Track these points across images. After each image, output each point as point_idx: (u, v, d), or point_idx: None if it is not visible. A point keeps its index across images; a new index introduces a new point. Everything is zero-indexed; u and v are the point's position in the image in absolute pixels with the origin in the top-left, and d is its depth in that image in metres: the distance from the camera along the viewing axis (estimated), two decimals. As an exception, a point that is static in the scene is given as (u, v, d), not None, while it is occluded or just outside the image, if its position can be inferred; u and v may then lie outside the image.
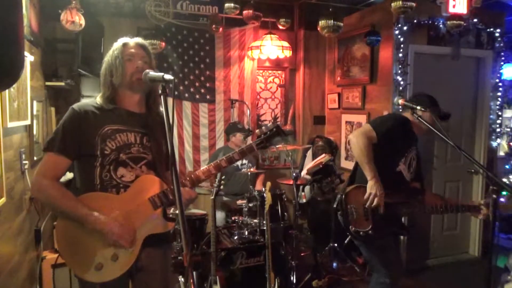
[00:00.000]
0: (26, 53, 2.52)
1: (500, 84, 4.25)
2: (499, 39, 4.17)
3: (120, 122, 1.67)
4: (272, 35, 4.48)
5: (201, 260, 2.89)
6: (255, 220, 3.21)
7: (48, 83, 3.44)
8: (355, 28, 4.30)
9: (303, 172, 3.97)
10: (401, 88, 3.77)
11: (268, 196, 2.83)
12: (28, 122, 2.69)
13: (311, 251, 4.00)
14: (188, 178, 1.70)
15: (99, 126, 1.62)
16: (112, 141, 1.62)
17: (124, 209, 1.59)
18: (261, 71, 4.92)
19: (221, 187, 2.64)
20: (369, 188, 2.19)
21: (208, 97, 4.54)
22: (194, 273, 2.84)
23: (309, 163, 4.11)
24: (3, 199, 2.11)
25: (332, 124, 4.93)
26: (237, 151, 1.74)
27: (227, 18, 4.34)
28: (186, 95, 4.45)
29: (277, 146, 3.63)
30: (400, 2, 3.14)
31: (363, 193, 2.22)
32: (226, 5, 3.80)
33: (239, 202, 3.43)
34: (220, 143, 4.57)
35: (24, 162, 2.58)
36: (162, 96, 1.44)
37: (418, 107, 2.24)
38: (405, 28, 3.76)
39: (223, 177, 2.61)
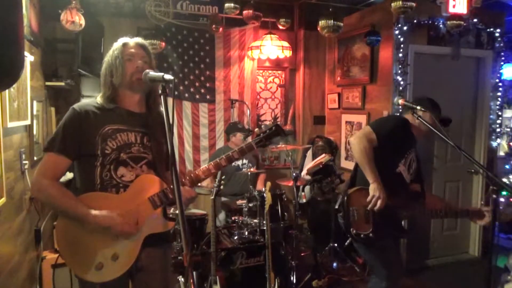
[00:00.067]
0: (26, 53, 2.52)
1: (500, 84, 4.25)
2: (499, 39, 4.17)
3: (120, 122, 1.67)
4: (272, 35, 4.48)
5: (201, 260, 2.89)
6: (255, 220, 3.21)
7: (48, 83, 3.44)
8: (355, 28, 4.31)
9: (303, 173, 3.98)
10: (401, 88, 3.77)
11: (268, 196, 2.83)
12: (28, 122, 2.69)
13: (311, 251, 4.00)
14: (188, 178, 1.70)
15: (100, 126, 1.63)
16: (113, 141, 1.62)
17: (124, 209, 1.59)
18: (261, 71, 4.92)
19: (221, 187, 2.64)
20: (371, 191, 2.19)
21: (208, 97, 4.54)
22: (194, 273, 2.84)
23: (309, 163, 4.11)
24: (3, 199, 2.11)
25: (332, 124, 4.93)
26: (237, 149, 1.74)
27: (227, 18, 4.34)
28: (186, 95, 4.45)
29: (277, 145, 3.63)
30: (400, 2, 3.14)
31: (365, 195, 2.22)
32: (226, 5, 3.80)
33: (239, 202, 3.43)
34: (220, 143, 4.57)
35: (24, 162, 2.59)
36: (162, 96, 1.45)
37: (419, 107, 2.24)
38: (405, 28, 3.76)
39: (223, 177, 2.61)
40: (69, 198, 1.57)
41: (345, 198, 2.29)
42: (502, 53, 4.22)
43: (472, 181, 4.35)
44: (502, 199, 4.09)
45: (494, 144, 4.29)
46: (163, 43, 3.94)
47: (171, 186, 1.60)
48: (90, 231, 1.55)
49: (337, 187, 3.81)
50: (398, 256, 2.57)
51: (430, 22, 3.86)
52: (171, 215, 1.71)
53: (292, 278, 3.29)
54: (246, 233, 3.14)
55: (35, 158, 2.90)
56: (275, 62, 4.88)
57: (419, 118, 2.24)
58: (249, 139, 3.94)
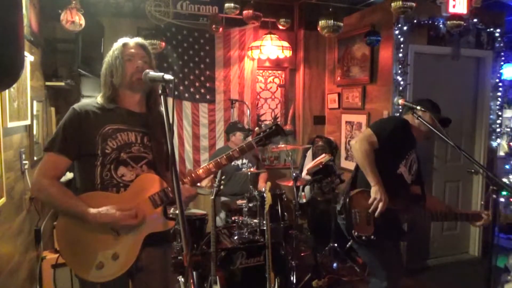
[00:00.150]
0: (26, 53, 2.52)
1: (500, 84, 4.25)
2: (499, 39, 4.17)
3: (120, 122, 1.67)
4: (272, 35, 4.49)
5: (201, 260, 2.89)
6: (255, 220, 3.21)
7: (48, 83, 3.44)
8: (355, 28, 4.31)
9: (303, 173, 3.98)
10: (401, 88, 3.77)
11: (268, 196, 2.83)
12: (28, 122, 2.69)
13: (311, 251, 4.00)
14: (188, 177, 1.70)
15: (100, 126, 1.63)
16: (113, 140, 1.63)
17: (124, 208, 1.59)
18: (261, 71, 4.92)
19: (221, 187, 2.64)
20: (373, 194, 2.19)
21: (208, 97, 4.55)
22: (194, 273, 2.84)
23: (309, 163, 4.11)
24: (3, 199, 2.11)
25: (332, 124, 4.93)
26: (237, 148, 1.75)
27: (227, 18, 4.34)
28: (186, 95, 4.45)
29: (277, 145, 3.63)
30: (400, 2, 3.14)
31: (367, 197, 2.22)
32: (226, 5, 3.80)
33: (239, 202, 3.43)
34: (220, 143, 4.58)
35: (24, 162, 2.59)
36: (162, 96, 1.45)
37: (418, 107, 2.24)
38: (405, 28, 3.76)
39: (223, 177, 2.62)
40: (69, 197, 1.57)
41: (347, 200, 2.29)
42: (502, 53, 4.22)
43: (472, 181, 4.35)
44: (502, 199, 4.10)
45: (494, 144, 4.29)
46: (163, 43, 3.94)
47: (171, 186, 1.60)
48: (91, 231, 1.55)
49: (337, 187, 3.81)
50: (399, 257, 2.57)
51: (430, 22, 3.86)
52: (171, 215, 1.71)
53: (292, 278, 3.29)
54: (246, 233, 3.13)
55: (35, 158, 2.90)
56: (275, 62, 4.88)
57: (419, 118, 2.25)
58: (249, 139, 3.95)
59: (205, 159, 4.50)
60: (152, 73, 1.58)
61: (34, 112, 2.89)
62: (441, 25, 3.89)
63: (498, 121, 4.28)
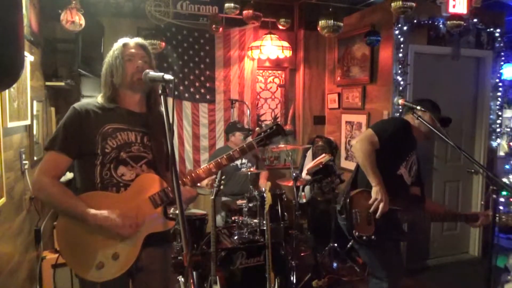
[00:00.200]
0: (26, 53, 2.52)
1: (500, 84, 4.25)
2: (499, 39, 4.17)
3: (121, 121, 1.67)
4: (272, 35, 4.49)
5: (201, 260, 2.89)
6: (255, 220, 3.21)
7: (48, 83, 3.44)
8: (355, 28, 4.31)
9: (303, 173, 3.97)
10: (401, 88, 3.77)
11: (268, 196, 2.83)
12: (28, 122, 2.69)
13: (311, 251, 4.00)
14: (188, 177, 1.70)
15: (100, 125, 1.63)
16: (113, 140, 1.63)
17: (124, 208, 1.59)
18: (261, 71, 4.92)
19: (221, 187, 2.64)
20: (374, 194, 2.19)
21: (208, 97, 4.55)
22: (194, 273, 2.84)
23: (309, 163, 4.11)
24: (3, 199, 2.11)
25: (332, 124, 4.93)
26: (238, 148, 1.75)
27: (227, 18, 4.34)
28: (186, 95, 4.45)
29: (277, 145, 3.63)
30: (400, 2, 3.14)
31: (367, 198, 2.22)
32: (226, 5, 3.80)
33: (239, 202, 3.43)
34: (220, 143, 4.58)
35: (24, 162, 2.59)
36: (162, 96, 1.45)
37: (418, 107, 2.24)
38: (405, 28, 3.76)
39: (223, 177, 2.62)
40: (70, 197, 1.57)
41: (348, 200, 2.29)
42: (502, 53, 4.22)
43: (472, 181, 4.35)
44: (502, 199, 4.10)
45: (494, 144, 4.29)
46: (163, 43, 3.94)
47: (171, 186, 1.61)
48: (91, 231, 1.55)
49: (337, 187, 3.81)
50: (399, 257, 2.57)
51: (430, 22, 3.86)
52: (171, 215, 1.71)
53: (292, 278, 3.29)
54: (246, 233, 3.13)
55: (35, 158, 2.90)
56: (275, 62, 4.88)
57: (419, 118, 2.24)
58: (249, 139, 3.96)
59: (205, 159, 4.50)
60: (152, 73, 1.58)
61: (34, 112, 2.89)
62: (441, 25, 3.89)
63: (498, 121, 4.28)
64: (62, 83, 3.47)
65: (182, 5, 4.31)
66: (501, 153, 4.95)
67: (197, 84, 4.49)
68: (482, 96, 4.25)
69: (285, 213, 3.46)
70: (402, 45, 3.77)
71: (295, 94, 5.07)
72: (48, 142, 1.64)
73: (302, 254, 4.05)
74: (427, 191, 3.90)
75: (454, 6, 3.67)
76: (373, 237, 2.24)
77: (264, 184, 3.93)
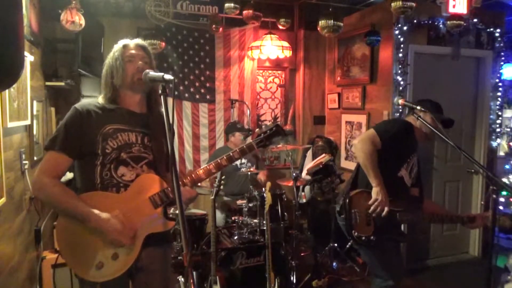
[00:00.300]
0: (26, 53, 2.52)
1: (500, 84, 4.25)
2: (499, 39, 4.17)
3: (121, 122, 1.67)
4: (272, 35, 4.49)
5: (201, 260, 2.89)
6: (255, 220, 3.21)
7: (48, 83, 3.44)
8: (355, 28, 4.31)
9: (303, 173, 3.97)
10: (401, 88, 3.77)
11: (268, 196, 2.83)
12: (28, 122, 2.69)
13: (311, 251, 4.00)
14: (188, 178, 1.70)
15: (101, 125, 1.63)
16: (114, 140, 1.63)
17: (124, 208, 1.59)
18: (261, 71, 4.92)
19: (221, 187, 2.64)
20: (374, 194, 2.19)
21: (208, 97, 4.55)
22: (194, 273, 2.85)
23: (309, 163, 4.11)
24: (3, 199, 2.11)
25: (332, 124, 4.93)
26: (237, 149, 1.75)
27: (227, 18, 4.34)
28: (186, 95, 4.45)
29: (277, 145, 3.63)
30: (400, 2, 3.14)
31: (367, 198, 2.22)
32: (226, 5, 3.80)
33: (239, 202, 3.43)
34: (220, 143, 4.58)
35: (24, 162, 2.59)
36: (162, 96, 1.45)
37: (418, 107, 2.24)
38: (405, 28, 3.76)
39: (223, 177, 2.61)
40: (70, 197, 1.57)
41: (347, 200, 2.29)
42: (502, 53, 4.22)
43: (472, 181, 4.35)
44: (502, 199, 4.10)
45: (494, 144, 4.29)
46: (163, 43, 3.94)
47: (171, 186, 1.61)
48: (91, 231, 1.55)
49: (337, 187, 3.81)
50: (399, 257, 2.57)
51: (430, 22, 3.86)
52: (171, 215, 1.71)
53: (292, 278, 3.29)
54: (246, 233, 3.13)
55: (35, 158, 2.90)
56: (275, 62, 4.88)
57: (419, 118, 2.24)
58: (249, 139, 3.96)
59: (205, 159, 4.50)
60: (152, 73, 1.58)
61: (34, 112, 2.89)
62: (441, 25, 3.89)
63: (498, 121, 4.28)
64: (62, 83, 3.47)
65: (182, 5, 4.31)
66: (501, 153, 4.95)
67: (197, 84, 4.49)
68: (482, 96, 4.25)
69: (285, 213, 3.46)
70: (402, 45, 3.77)
71: (295, 94, 5.07)
72: (48, 141, 1.63)
73: (302, 254, 4.04)
74: (427, 191, 3.90)
75: (454, 6, 3.67)
76: (372, 237, 2.24)
77: (263, 178, 3.92)
